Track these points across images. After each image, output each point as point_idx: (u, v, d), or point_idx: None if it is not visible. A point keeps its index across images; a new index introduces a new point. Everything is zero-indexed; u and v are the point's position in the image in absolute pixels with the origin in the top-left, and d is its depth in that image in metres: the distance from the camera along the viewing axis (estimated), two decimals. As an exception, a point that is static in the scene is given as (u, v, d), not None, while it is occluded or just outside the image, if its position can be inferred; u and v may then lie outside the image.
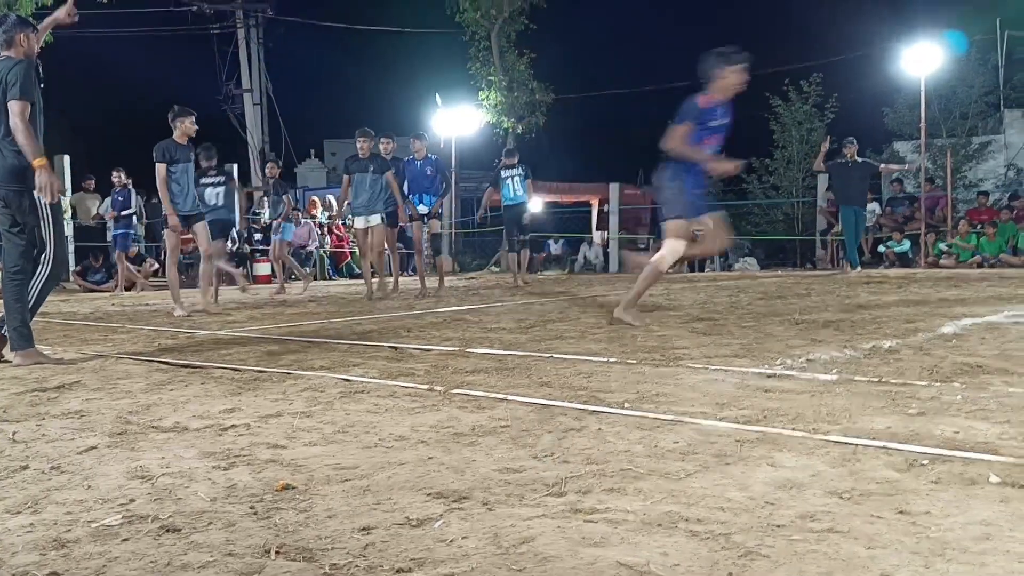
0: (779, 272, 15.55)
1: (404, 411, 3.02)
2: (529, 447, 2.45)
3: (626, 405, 3.00)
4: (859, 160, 12.76)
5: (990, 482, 2.00)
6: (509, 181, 11.59)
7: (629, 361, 4.08)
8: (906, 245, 15.59)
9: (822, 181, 18.54)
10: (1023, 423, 2.58)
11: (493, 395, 3.24)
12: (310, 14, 25.48)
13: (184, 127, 7.68)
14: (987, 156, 19.35)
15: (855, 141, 12.87)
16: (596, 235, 21.36)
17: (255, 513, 1.92)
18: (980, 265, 14.12)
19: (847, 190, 12.79)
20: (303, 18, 24.39)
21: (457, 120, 19.91)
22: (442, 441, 2.55)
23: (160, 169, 7.61)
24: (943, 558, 1.56)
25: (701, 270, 16.96)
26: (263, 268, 15.46)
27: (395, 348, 4.82)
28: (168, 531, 1.81)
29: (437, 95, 20.13)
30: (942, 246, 15.21)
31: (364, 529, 1.79)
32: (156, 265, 15.11)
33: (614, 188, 20.37)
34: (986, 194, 17.27)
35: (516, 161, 11.76)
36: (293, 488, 2.10)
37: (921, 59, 15.66)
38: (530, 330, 5.68)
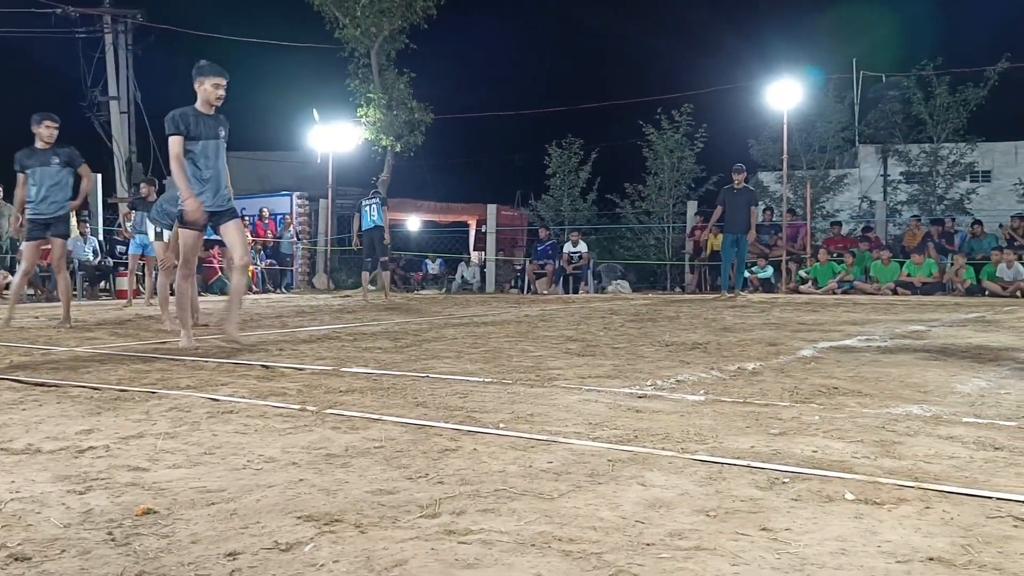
0: (650, 295, 15.95)
1: (274, 432, 2.94)
2: (403, 468, 2.42)
3: (501, 425, 3.01)
4: (745, 187, 13.10)
5: (845, 499, 2.10)
6: (367, 208, 13.31)
7: (504, 381, 4.10)
8: (769, 271, 16.30)
9: (691, 208, 19.22)
10: (875, 442, 2.72)
11: (367, 415, 3.20)
12: (183, 23, 24.61)
13: (205, 91, 5.85)
14: (843, 188, 20.54)
15: (743, 168, 13.18)
16: (474, 255, 21.50)
17: (113, 539, 1.83)
18: (835, 291, 14.87)
19: (732, 216, 12.87)
20: (176, 26, 23.62)
21: (335, 136, 19.67)
22: (314, 463, 2.50)
23: (173, 143, 5.73)
24: (802, 573, 1.62)
25: (576, 292, 17.22)
26: (123, 282, 15.07)
27: (266, 367, 4.70)
28: (17, 560, 1.71)
29: (315, 110, 19.86)
30: (802, 273, 15.96)
31: (230, 555, 1.73)
32: (9, 278, 14.31)
33: (492, 209, 20.56)
34: (839, 224, 18.26)
35: (374, 194, 13.78)
36: (155, 513, 2.01)
37: (784, 94, 16.46)
38: (406, 350, 5.64)
